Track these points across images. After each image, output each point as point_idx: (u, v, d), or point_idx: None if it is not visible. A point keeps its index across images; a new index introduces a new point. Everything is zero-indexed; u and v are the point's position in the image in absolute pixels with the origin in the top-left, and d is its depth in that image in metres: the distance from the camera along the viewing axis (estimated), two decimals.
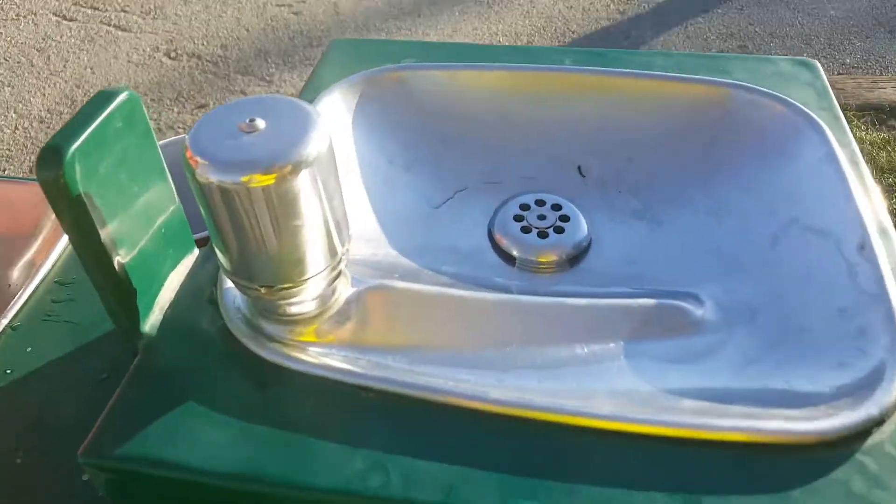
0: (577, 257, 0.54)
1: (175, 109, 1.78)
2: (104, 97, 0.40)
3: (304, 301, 0.43)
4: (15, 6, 2.17)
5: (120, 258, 0.42)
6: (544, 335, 0.46)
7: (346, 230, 0.41)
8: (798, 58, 0.63)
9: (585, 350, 0.45)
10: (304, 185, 0.36)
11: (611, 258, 0.54)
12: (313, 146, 0.36)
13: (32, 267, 0.67)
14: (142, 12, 2.15)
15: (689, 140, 0.58)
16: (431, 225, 0.59)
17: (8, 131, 1.72)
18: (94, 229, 0.39)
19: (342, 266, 0.42)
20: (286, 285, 0.40)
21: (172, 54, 1.97)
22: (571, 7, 2.14)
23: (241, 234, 0.37)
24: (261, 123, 0.36)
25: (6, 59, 1.96)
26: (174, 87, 1.86)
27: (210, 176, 0.35)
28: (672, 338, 0.47)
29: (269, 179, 0.34)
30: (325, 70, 0.64)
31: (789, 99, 0.56)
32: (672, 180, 0.58)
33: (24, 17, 2.14)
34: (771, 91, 0.57)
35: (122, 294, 0.42)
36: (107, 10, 2.15)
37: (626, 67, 0.61)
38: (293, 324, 0.43)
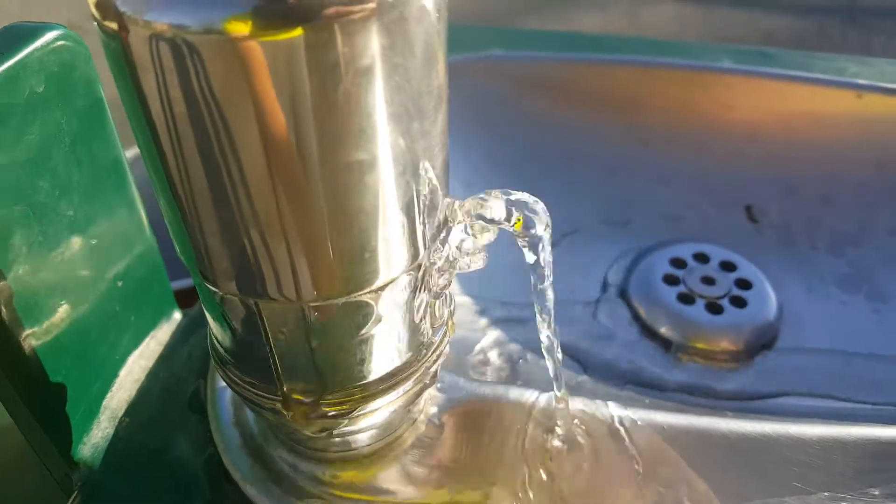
0: (765, 345, 0.36)
1: None
2: (16, 35, 0.21)
3: (368, 411, 0.23)
4: None
5: (33, 339, 0.23)
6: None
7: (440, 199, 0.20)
8: None
9: None
10: (382, 58, 0.15)
11: (816, 348, 0.36)
12: None
13: None
14: None
15: None
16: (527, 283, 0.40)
17: None
18: None
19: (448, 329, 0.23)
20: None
21: None
22: None
23: (219, 177, 0.15)
24: None
25: None
26: None
27: (149, 16, 0.13)
28: None
29: (291, 30, 0.13)
30: None
31: None
32: (894, 232, 0.39)
33: None
34: None
35: (37, 400, 0.23)
36: None
37: (811, 73, 0.43)
38: (330, 462, 0.24)
